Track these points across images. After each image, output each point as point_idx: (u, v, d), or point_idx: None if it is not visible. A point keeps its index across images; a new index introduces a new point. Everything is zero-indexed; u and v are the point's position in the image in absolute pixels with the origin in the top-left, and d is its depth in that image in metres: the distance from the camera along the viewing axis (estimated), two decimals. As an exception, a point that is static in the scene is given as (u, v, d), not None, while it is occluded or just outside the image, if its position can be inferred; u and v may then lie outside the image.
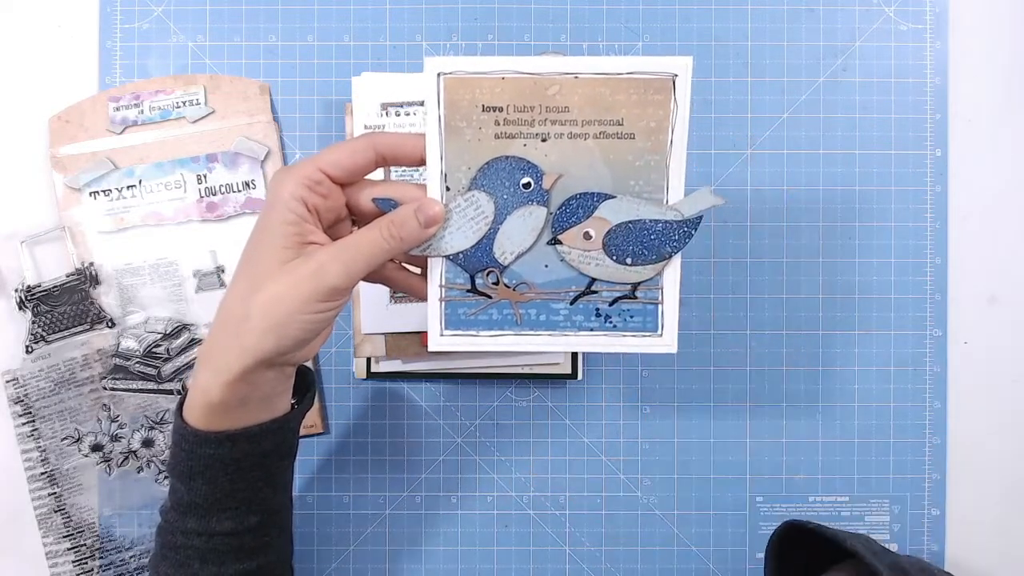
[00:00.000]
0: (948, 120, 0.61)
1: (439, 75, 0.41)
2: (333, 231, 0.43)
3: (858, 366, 0.61)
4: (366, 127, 0.58)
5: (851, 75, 0.61)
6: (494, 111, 0.41)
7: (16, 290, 0.60)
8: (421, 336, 0.58)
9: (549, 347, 0.44)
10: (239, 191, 0.60)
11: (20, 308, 0.60)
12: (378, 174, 0.53)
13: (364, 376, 0.59)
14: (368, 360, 0.59)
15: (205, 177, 0.60)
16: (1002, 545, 0.62)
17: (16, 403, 0.59)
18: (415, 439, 0.61)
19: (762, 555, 0.61)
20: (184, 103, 0.60)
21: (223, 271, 0.60)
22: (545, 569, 0.61)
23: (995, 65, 0.62)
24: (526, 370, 0.60)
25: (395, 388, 0.61)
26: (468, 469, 0.61)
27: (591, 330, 0.43)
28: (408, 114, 0.57)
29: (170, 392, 0.60)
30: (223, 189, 0.60)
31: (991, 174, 0.62)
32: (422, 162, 0.42)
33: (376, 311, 0.57)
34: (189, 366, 0.60)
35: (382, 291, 0.57)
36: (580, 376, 0.60)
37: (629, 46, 0.61)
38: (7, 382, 0.59)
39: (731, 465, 0.61)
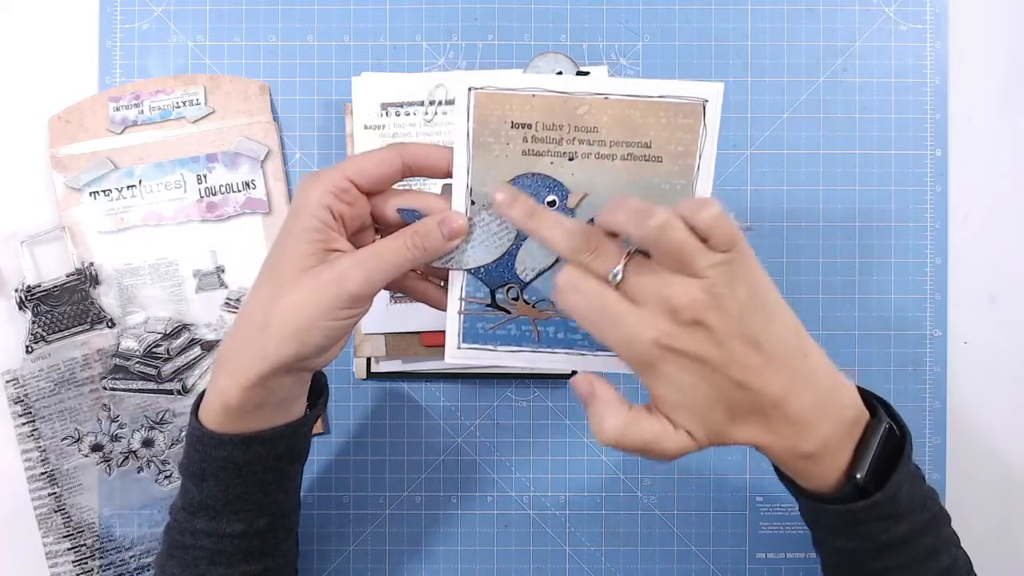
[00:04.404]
0: (948, 120, 0.61)
1: (470, 90, 0.41)
2: (357, 239, 0.43)
3: (858, 366, 0.61)
4: (366, 127, 0.58)
5: (851, 75, 0.61)
6: (523, 128, 0.41)
7: (16, 290, 0.60)
8: (421, 336, 0.58)
9: (566, 365, 0.44)
10: (239, 191, 0.60)
11: (20, 308, 0.60)
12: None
13: (364, 376, 0.59)
14: (368, 360, 0.59)
15: (205, 177, 0.60)
16: (1002, 545, 0.62)
17: (16, 403, 0.59)
18: (415, 439, 0.61)
19: (762, 555, 0.61)
20: (184, 103, 0.60)
21: (223, 271, 0.60)
22: (545, 569, 0.61)
23: (995, 65, 0.62)
24: (526, 370, 0.60)
25: (395, 388, 0.61)
26: (468, 469, 0.61)
27: (609, 350, 0.43)
28: (408, 114, 0.58)
29: (170, 392, 0.60)
30: (223, 189, 0.60)
31: (991, 174, 0.62)
32: (448, 174, 0.42)
33: (376, 311, 0.57)
34: (189, 366, 0.60)
35: (383, 292, 0.57)
36: (580, 376, 0.60)
37: (629, 46, 0.61)
38: (7, 382, 0.59)
39: (731, 465, 0.61)
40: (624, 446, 0.38)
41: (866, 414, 0.40)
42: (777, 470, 0.42)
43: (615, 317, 0.37)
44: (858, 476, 0.38)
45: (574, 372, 0.59)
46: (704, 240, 0.36)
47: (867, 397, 0.41)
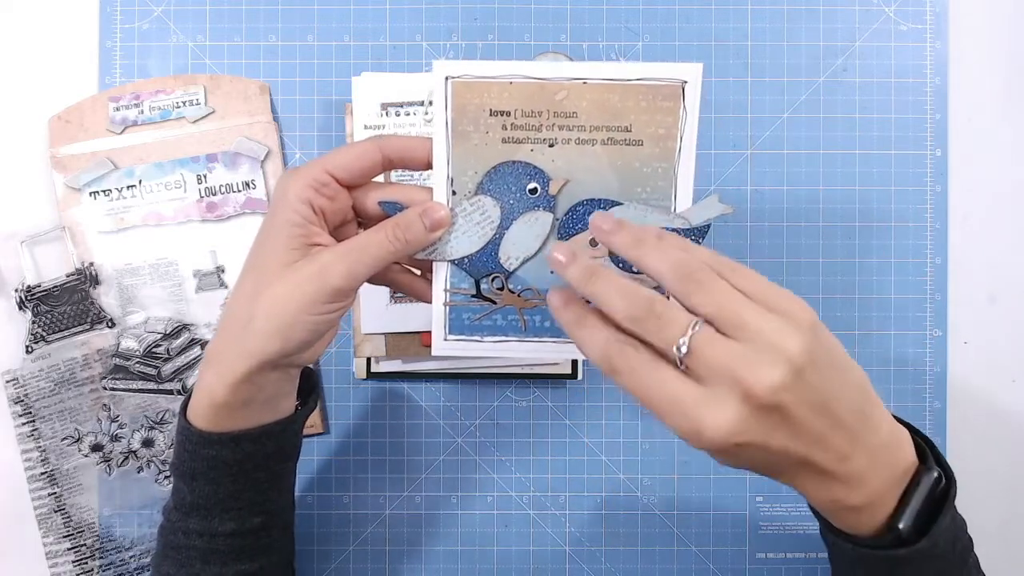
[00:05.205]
0: (948, 120, 0.61)
1: (447, 79, 0.41)
2: (339, 233, 0.43)
3: (858, 366, 0.61)
4: (366, 127, 0.58)
5: (851, 75, 0.61)
6: (502, 115, 0.41)
7: (16, 290, 0.60)
8: (421, 336, 0.58)
9: (553, 354, 0.44)
10: (239, 191, 0.60)
11: (20, 308, 0.60)
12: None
13: (364, 376, 0.59)
14: (368, 360, 0.59)
15: (205, 177, 0.60)
16: (1003, 545, 0.62)
17: (16, 403, 0.59)
18: (415, 439, 0.61)
19: (762, 555, 0.61)
20: (184, 103, 0.60)
21: (223, 271, 0.60)
22: (545, 569, 0.61)
23: (995, 65, 0.62)
24: (526, 370, 0.60)
25: (395, 388, 0.61)
26: (468, 469, 0.61)
27: None
28: (408, 114, 0.57)
29: (170, 392, 0.60)
30: (223, 189, 0.60)
31: (991, 174, 0.62)
32: (429, 166, 0.42)
33: (376, 311, 0.58)
34: (189, 366, 0.60)
35: (382, 291, 0.57)
36: (580, 376, 0.60)
37: (629, 46, 0.61)
38: (7, 382, 0.59)
39: (731, 465, 0.61)
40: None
41: (916, 462, 0.38)
42: (811, 507, 0.41)
43: (683, 411, 0.33)
44: (901, 527, 0.37)
45: (573, 371, 0.60)
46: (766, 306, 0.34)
47: (912, 435, 0.40)
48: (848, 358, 0.36)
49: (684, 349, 0.34)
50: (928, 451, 0.39)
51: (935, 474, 0.38)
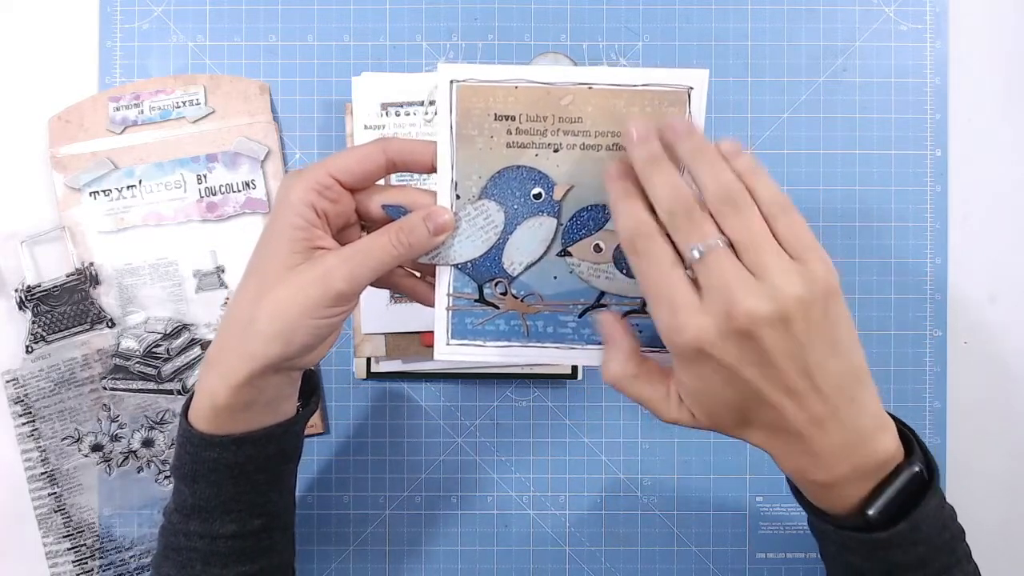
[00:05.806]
0: (948, 120, 0.61)
1: (452, 82, 0.41)
2: (342, 236, 0.43)
3: (858, 366, 0.61)
4: (366, 127, 0.58)
5: (851, 75, 0.61)
6: (506, 120, 0.41)
7: (16, 290, 0.60)
8: (421, 336, 0.58)
9: (556, 360, 0.44)
10: (239, 191, 0.60)
11: (20, 308, 0.60)
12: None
13: (364, 376, 0.59)
14: (368, 360, 0.59)
15: (205, 177, 0.60)
16: (1003, 545, 0.62)
17: (16, 403, 0.59)
18: (415, 439, 0.61)
19: (762, 555, 0.61)
20: (184, 103, 0.60)
21: (223, 271, 0.60)
22: (545, 569, 0.61)
23: (995, 65, 0.62)
24: (526, 370, 0.60)
25: (395, 388, 0.61)
26: (468, 469, 0.61)
27: (599, 344, 0.43)
28: (408, 114, 0.58)
29: (170, 392, 0.60)
30: (223, 189, 0.60)
31: (991, 174, 0.62)
32: (433, 169, 0.42)
33: (376, 311, 0.58)
34: (189, 366, 0.60)
35: (382, 292, 0.57)
36: (580, 376, 0.60)
37: (629, 46, 0.61)
38: (7, 382, 0.59)
39: (731, 465, 0.61)
40: (622, 392, 0.39)
41: (896, 458, 0.38)
42: (789, 482, 0.41)
43: (672, 308, 0.35)
44: (870, 513, 0.37)
45: (573, 371, 0.60)
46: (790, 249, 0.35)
47: (900, 428, 0.40)
48: (852, 340, 0.37)
49: (697, 255, 0.35)
50: (915, 445, 0.40)
51: (916, 469, 0.38)
